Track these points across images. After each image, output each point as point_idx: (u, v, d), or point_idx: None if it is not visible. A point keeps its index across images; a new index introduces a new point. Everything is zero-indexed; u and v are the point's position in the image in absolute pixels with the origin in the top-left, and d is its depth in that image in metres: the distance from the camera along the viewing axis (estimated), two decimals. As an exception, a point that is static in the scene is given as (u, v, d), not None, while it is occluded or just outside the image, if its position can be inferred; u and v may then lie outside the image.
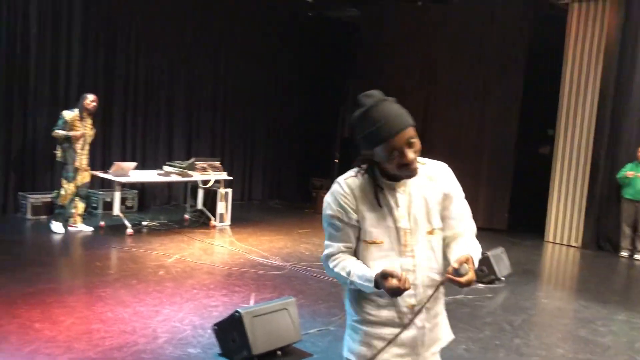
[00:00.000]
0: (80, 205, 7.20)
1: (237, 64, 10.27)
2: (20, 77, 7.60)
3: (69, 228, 7.13)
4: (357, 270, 1.92)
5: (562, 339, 4.70)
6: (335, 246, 2.00)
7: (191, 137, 9.80)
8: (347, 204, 1.95)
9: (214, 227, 8.02)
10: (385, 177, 1.96)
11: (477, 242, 2.07)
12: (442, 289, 2.02)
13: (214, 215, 8.10)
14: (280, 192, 11.31)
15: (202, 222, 8.18)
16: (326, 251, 2.03)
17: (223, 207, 8.16)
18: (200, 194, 8.24)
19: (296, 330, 3.97)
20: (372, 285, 1.87)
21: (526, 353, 4.31)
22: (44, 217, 7.52)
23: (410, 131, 1.88)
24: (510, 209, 9.34)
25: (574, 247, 8.49)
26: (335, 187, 1.99)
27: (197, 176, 7.86)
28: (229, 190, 8.29)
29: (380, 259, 1.94)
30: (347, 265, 1.96)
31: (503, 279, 6.18)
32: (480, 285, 5.99)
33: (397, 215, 1.95)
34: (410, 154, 1.87)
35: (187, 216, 8.40)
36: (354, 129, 1.96)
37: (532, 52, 9.13)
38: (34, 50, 7.68)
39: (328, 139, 10.79)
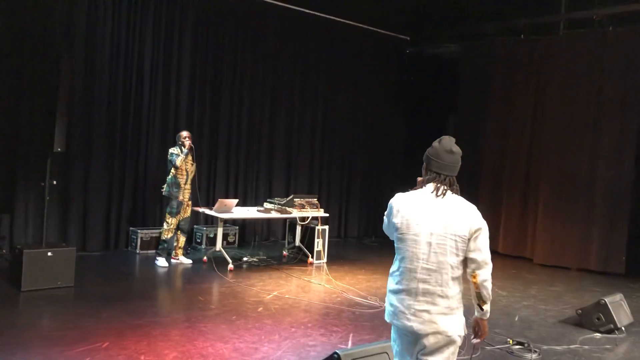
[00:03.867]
0: (181, 239, 7.50)
1: (336, 101, 10.44)
2: (134, 117, 8.13)
3: (172, 260, 7.46)
4: None
5: (698, 400, 4.17)
6: None
7: (290, 174, 9.98)
8: None
9: (311, 264, 8.03)
10: None
11: None
12: None
13: (311, 252, 8.12)
14: (377, 229, 11.18)
15: (299, 258, 8.22)
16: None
17: (320, 244, 8.17)
18: (298, 230, 8.32)
19: (396, 375, 3.80)
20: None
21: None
22: (152, 251, 7.89)
23: None
24: (628, 252, 8.58)
25: None
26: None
27: (295, 213, 7.95)
28: (326, 227, 8.30)
29: None
30: None
31: (623, 328, 5.63)
32: (597, 335, 5.49)
33: None
34: None
35: (285, 253, 8.48)
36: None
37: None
38: (146, 92, 8.21)
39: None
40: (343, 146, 10.65)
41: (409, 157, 11.54)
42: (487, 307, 2.70)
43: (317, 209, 8.17)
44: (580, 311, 5.81)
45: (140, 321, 5.05)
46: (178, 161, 7.19)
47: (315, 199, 8.35)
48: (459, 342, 2.65)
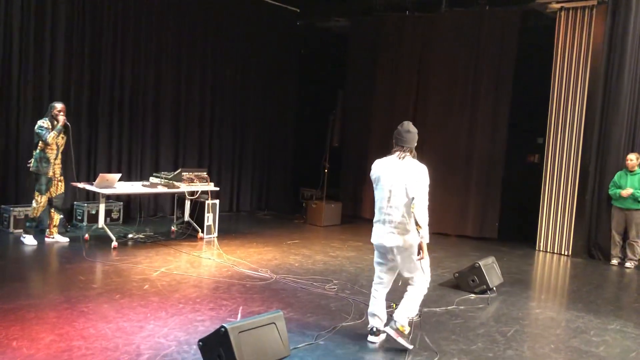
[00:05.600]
0: (55, 217, 7.06)
1: (224, 74, 10.19)
2: (2, 88, 7.46)
3: (46, 239, 7.02)
4: None
5: (555, 349, 4.62)
6: None
7: (178, 147, 9.67)
8: None
9: (201, 239, 7.89)
10: None
11: None
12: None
13: (201, 227, 7.97)
14: (269, 202, 11.20)
15: (189, 234, 8.04)
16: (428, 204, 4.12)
17: (210, 219, 8.04)
18: (187, 205, 8.12)
19: (284, 345, 3.86)
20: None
21: (520, 365, 4.22)
22: (26, 230, 7.35)
23: None
24: (500, 218, 9.29)
25: (564, 255, 8.45)
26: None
27: (183, 187, 7.73)
28: (217, 202, 8.17)
29: None
30: None
31: (494, 289, 6.11)
32: (472, 296, 5.91)
33: None
34: None
35: (173, 228, 8.25)
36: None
37: (521, 60, 9.13)
38: (16, 62, 7.55)
39: (317, 148, 10.70)
40: (234, 119, 10.47)
41: (301, 129, 11.61)
42: (422, 232, 4.07)
43: (206, 183, 8.00)
44: (457, 274, 6.21)
45: (12, 305, 4.70)
46: (49, 138, 6.68)
47: (205, 173, 8.16)
48: (414, 247, 4.20)
